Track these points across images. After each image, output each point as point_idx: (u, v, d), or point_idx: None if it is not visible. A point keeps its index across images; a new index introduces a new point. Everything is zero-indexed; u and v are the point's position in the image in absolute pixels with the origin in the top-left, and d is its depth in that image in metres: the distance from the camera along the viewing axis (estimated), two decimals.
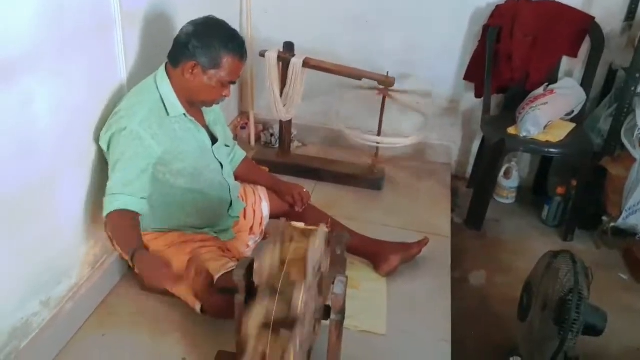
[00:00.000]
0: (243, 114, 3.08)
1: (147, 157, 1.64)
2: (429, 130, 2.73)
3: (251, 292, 1.45)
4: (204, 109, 1.84)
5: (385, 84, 2.48)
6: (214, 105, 1.84)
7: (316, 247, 1.42)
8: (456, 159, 3.04)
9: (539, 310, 1.76)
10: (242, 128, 3.00)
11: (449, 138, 2.99)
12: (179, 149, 1.72)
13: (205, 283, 1.65)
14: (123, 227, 1.60)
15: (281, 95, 2.59)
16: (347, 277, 1.42)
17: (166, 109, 1.69)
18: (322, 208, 2.32)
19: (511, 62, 2.57)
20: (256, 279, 1.45)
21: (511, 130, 2.49)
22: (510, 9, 2.53)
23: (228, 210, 1.96)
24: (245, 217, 2.05)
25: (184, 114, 1.73)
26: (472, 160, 2.98)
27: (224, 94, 1.74)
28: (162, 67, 1.72)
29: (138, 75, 1.83)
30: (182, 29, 1.68)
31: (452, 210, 2.70)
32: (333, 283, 1.43)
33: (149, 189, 1.68)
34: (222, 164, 1.89)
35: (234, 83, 1.75)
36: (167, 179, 1.74)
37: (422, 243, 2.17)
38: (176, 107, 1.70)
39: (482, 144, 2.81)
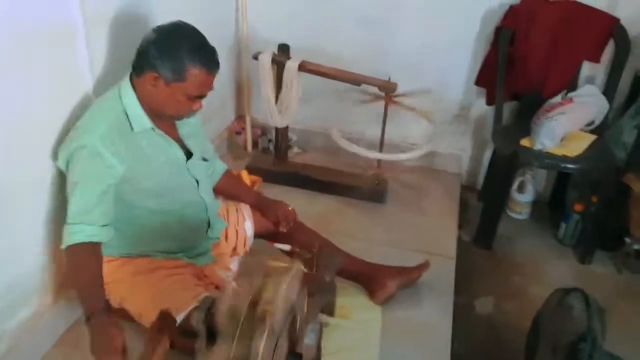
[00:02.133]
0: (240, 117, 2.91)
1: (108, 178, 1.47)
2: (438, 139, 2.52)
3: (214, 334, 1.29)
4: (178, 121, 1.67)
5: (386, 89, 2.28)
6: (191, 117, 1.67)
7: (287, 289, 1.24)
8: (467, 169, 2.84)
9: (548, 354, 1.56)
10: (238, 133, 2.83)
11: (459, 146, 2.78)
12: (146, 167, 1.55)
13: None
14: (85, 268, 1.44)
15: (276, 101, 2.42)
16: (321, 324, 1.25)
17: (130, 124, 1.52)
18: (319, 222, 2.18)
19: (526, 67, 2.35)
20: (219, 321, 1.29)
21: (525, 142, 2.27)
22: (525, 10, 2.31)
23: (207, 231, 1.79)
24: (226, 238, 1.89)
25: (152, 128, 1.56)
26: (483, 171, 2.77)
27: (194, 107, 1.57)
28: (127, 77, 1.55)
29: (108, 84, 1.66)
30: (144, 35, 1.50)
31: (460, 227, 2.51)
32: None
33: (114, 211, 1.53)
34: (198, 180, 1.72)
35: (203, 97, 1.57)
36: (133, 200, 1.58)
37: (423, 267, 1.98)
38: (142, 121, 1.54)
39: (495, 154, 2.59)
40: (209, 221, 1.78)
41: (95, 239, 1.45)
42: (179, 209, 1.67)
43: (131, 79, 1.54)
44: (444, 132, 2.67)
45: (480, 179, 2.80)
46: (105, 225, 1.48)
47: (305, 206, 2.46)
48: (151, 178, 1.57)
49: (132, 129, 1.52)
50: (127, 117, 1.52)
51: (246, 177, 2.46)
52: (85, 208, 1.45)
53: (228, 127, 2.86)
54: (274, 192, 2.53)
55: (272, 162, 2.64)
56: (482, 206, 2.45)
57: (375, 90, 2.33)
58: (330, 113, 2.78)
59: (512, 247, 2.48)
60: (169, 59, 1.47)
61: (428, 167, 2.80)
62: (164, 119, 1.60)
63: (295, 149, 2.86)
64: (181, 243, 1.72)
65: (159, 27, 1.51)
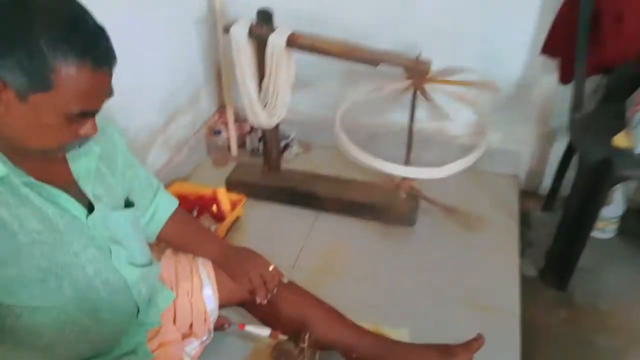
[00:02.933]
0: (222, 109, 2.22)
1: None
2: (487, 131, 1.80)
3: None
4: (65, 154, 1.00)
5: (415, 70, 1.57)
6: (89, 143, 1.00)
7: None
8: (527, 169, 2.11)
9: None
10: (217, 132, 2.14)
11: (517, 139, 2.04)
12: (4, 245, 0.90)
13: None
14: None
15: (260, 91, 1.73)
16: None
17: None
18: (321, 256, 1.68)
19: (621, 26, 1.59)
20: None
21: (620, 140, 1.54)
22: None
23: (137, 315, 1.15)
24: (175, 319, 1.24)
25: (9, 175, 0.89)
26: (550, 170, 2.04)
27: (80, 133, 0.91)
28: None
29: None
30: None
31: (521, 253, 1.81)
32: None
33: None
34: (111, 246, 1.06)
35: (95, 112, 0.90)
36: None
37: (474, 346, 1.32)
38: None
39: (569, 149, 1.86)
40: (136, 302, 1.13)
41: None
42: (75, 299, 1.01)
43: None
44: (495, 121, 1.94)
45: (546, 181, 2.07)
46: None
47: (304, 233, 1.82)
48: (15, 262, 0.91)
49: None
50: None
51: (225, 197, 1.81)
52: None
53: (206, 124, 2.18)
54: (263, 213, 1.89)
55: (260, 173, 1.96)
56: (557, 230, 1.73)
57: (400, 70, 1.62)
58: (339, 98, 2.08)
59: (595, 285, 1.76)
60: (18, 53, 0.79)
61: (474, 168, 2.06)
62: (37, 157, 0.94)
63: (295, 149, 2.17)
64: (89, 346, 1.08)
65: None
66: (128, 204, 1.15)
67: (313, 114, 2.16)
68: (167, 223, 1.29)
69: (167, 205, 1.30)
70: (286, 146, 2.15)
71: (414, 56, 1.56)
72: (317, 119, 2.15)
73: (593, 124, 1.66)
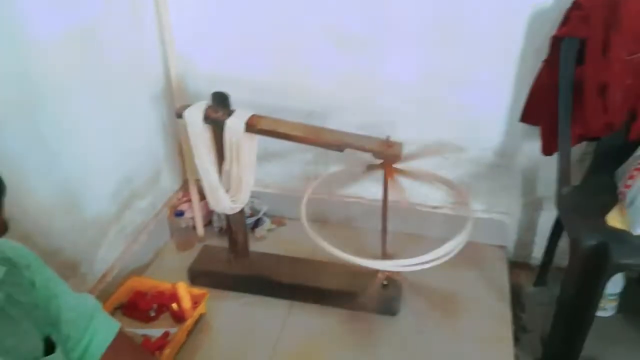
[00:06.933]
0: (186, 186, 2.06)
1: None
2: (470, 204, 1.66)
3: None
4: None
5: (385, 156, 1.43)
6: None
7: None
8: (515, 238, 1.96)
9: None
10: (179, 214, 1.98)
11: (502, 208, 1.91)
12: None
13: None
14: None
15: (221, 176, 1.59)
16: None
17: None
18: (297, 355, 1.51)
19: (605, 97, 1.47)
20: None
21: (613, 219, 1.40)
22: (601, 7, 1.42)
23: None
24: None
25: None
26: (539, 239, 1.90)
27: None
28: None
29: None
30: None
31: (516, 338, 1.65)
32: None
33: None
34: None
35: None
36: None
37: None
38: None
39: (559, 222, 1.72)
40: None
41: None
42: None
43: None
44: (478, 191, 1.83)
45: (536, 251, 1.93)
46: None
47: (276, 329, 1.65)
48: None
49: None
50: None
51: (185, 293, 1.65)
52: None
53: (168, 204, 2.03)
54: (230, 307, 1.73)
55: (226, 260, 1.80)
56: (553, 321, 1.56)
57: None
58: (310, 169, 1.96)
59: None
60: None
61: None
62: None
63: (267, 225, 2.02)
64: None
65: None
66: (49, 346, 0.96)
67: (285, 186, 2.02)
68: (105, 355, 1.11)
69: (105, 332, 1.12)
70: (257, 222, 2.01)
71: (383, 138, 1.43)
72: (290, 190, 2.01)
73: (583, 200, 1.51)
